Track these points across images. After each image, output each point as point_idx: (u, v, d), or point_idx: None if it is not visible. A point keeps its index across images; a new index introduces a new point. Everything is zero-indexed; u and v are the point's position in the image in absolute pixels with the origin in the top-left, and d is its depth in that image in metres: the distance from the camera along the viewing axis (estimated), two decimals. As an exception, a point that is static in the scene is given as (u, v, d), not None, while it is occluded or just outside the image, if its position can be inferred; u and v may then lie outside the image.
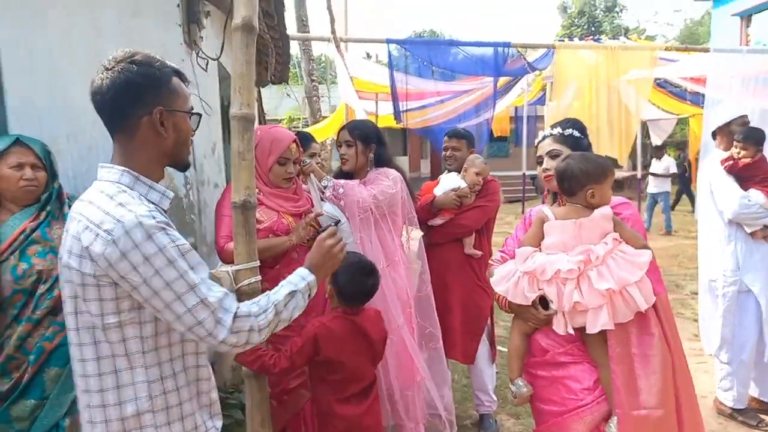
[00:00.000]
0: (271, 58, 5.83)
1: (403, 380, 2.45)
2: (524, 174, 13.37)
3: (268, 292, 1.49)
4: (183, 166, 1.54)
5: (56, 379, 1.90)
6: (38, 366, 1.90)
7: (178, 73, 1.49)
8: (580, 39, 13.00)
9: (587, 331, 1.88)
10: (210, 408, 1.49)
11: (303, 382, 2.21)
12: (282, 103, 17.28)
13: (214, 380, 1.53)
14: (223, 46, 2.61)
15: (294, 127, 14.70)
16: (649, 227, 10.37)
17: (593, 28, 28.94)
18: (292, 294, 1.47)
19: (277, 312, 1.43)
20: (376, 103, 9.48)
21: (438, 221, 3.08)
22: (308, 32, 11.42)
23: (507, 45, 7.13)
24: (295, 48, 11.79)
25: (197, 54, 2.84)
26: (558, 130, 2.15)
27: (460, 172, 3.16)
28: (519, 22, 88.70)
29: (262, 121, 6.37)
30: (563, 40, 11.81)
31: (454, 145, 3.24)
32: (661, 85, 10.11)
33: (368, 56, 25.30)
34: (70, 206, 2.12)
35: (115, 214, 1.24)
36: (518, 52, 7.32)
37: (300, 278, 1.53)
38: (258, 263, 1.71)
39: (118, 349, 1.29)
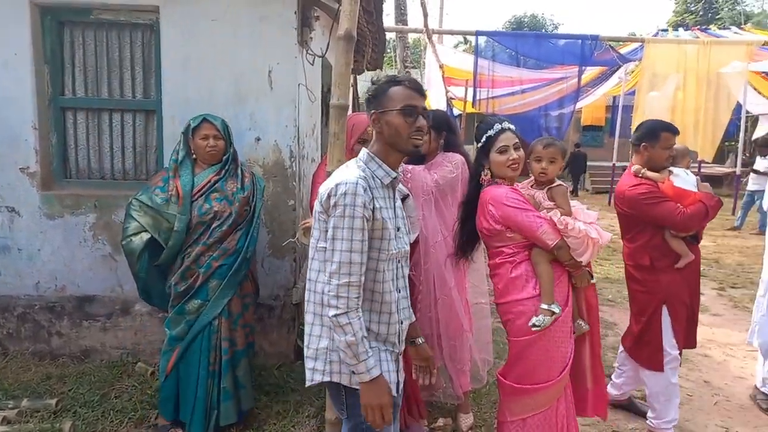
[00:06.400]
0: (368, 48, 6.42)
1: (452, 331, 2.90)
2: (614, 165, 13.06)
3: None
4: (407, 154, 1.84)
5: (216, 288, 2.67)
6: (206, 277, 2.68)
7: (395, 82, 1.83)
8: (689, 27, 12.42)
9: None
10: None
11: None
12: (377, 86, 17.90)
13: None
14: (328, 46, 3.19)
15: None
16: (741, 224, 9.98)
17: (710, 15, 26.86)
18: (355, 353, 1.66)
19: (347, 336, 1.64)
20: (466, 89, 9.82)
21: None
22: (406, 19, 11.97)
23: (595, 38, 7.22)
24: (391, 34, 12.35)
25: (307, 51, 3.47)
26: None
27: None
28: (629, 3, 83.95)
29: (356, 104, 7.00)
30: (666, 31, 11.37)
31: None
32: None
33: (465, 41, 25.30)
34: (242, 170, 2.91)
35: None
36: (607, 45, 7.39)
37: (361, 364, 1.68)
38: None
39: None
